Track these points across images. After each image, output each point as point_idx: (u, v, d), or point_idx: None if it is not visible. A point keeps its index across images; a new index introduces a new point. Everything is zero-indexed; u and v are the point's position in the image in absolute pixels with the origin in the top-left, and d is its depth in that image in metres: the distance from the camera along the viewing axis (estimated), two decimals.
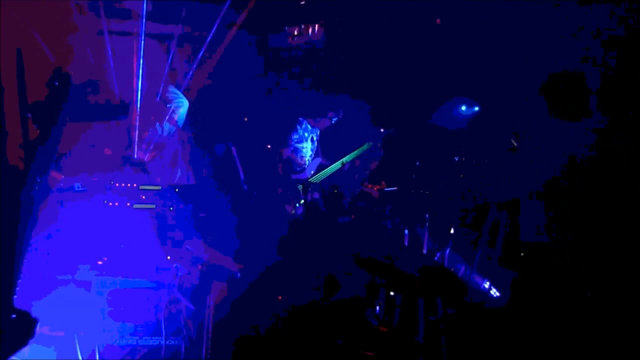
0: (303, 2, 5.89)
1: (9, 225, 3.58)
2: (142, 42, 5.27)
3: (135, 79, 5.30)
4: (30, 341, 3.62)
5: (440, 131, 5.84)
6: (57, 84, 4.33)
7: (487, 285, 4.72)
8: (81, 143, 5.05)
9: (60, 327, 4.23)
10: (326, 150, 6.15)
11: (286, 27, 6.04)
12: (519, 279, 4.21)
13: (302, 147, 6.01)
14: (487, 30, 5.28)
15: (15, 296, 3.80)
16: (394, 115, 6.11)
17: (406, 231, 5.26)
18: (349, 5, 5.75)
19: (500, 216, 4.71)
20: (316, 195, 5.59)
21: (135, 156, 5.38)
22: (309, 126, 6.05)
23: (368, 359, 4.04)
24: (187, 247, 4.77)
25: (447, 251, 5.00)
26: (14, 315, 3.55)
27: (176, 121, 5.58)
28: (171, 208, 4.84)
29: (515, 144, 4.75)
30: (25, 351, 3.71)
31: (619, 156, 3.85)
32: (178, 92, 5.59)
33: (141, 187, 4.87)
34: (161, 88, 5.53)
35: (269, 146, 6.05)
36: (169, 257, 4.65)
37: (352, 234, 5.23)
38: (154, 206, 4.82)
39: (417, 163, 5.78)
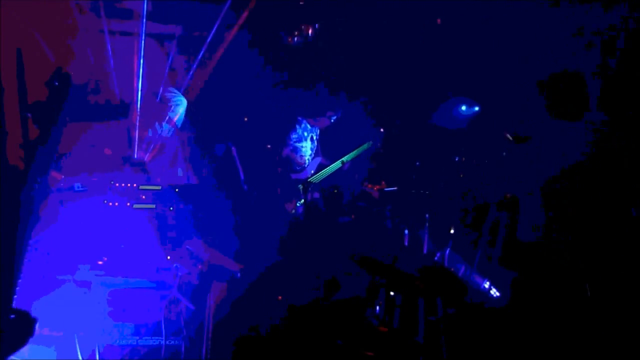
0: (302, 2, 5.89)
1: (9, 225, 3.59)
2: (143, 42, 5.26)
3: (135, 79, 5.30)
4: (30, 341, 3.62)
5: (440, 131, 5.84)
6: (57, 84, 4.33)
7: (487, 285, 4.72)
8: (81, 143, 5.05)
9: (60, 327, 4.23)
10: (326, 150, 6.16)
11: (286, 27, 6.04)
12: (519, 279, 4.20)
13: (302, 147, 6.01)
14: (487, 30, 5.28)
15: (15, 296, 3.80)
16: (394, 115, 6.12)
17: (406, 231, 5.26)
18: (348, 5, 5.74)
19: (500, 216, 4.71)
20: (316, 194, 5.59)
21: (135, 156, 5.38)
22: (308, 125, 6.05)
23: (368, 359, 4.04)
24: (187, 247, 4.77)
25: (447, 251, 5.00)
26: (13, 315, 3.55)
27: (175, 120, 5.58)
28: (171, 208, 4.84)
29: (510, 137, 4.76)
30: (25, 351, 3.71)
31: (619, 156, 3.84)
32: (176, 90, 5.59)
33: (141, 187, 4.87)
34: (161, 88, 5.53)
35: (268, 146, 6.05)
36: (169, 257, 4.66)
37: (352, 234, 5.23)
38: (154, 206, 4.82)
39: (417, 163, 5.78)
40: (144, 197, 4.83)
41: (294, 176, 5.96)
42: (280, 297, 4.56)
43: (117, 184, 4.81)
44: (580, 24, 4.40)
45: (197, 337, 4.41)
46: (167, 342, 4.38)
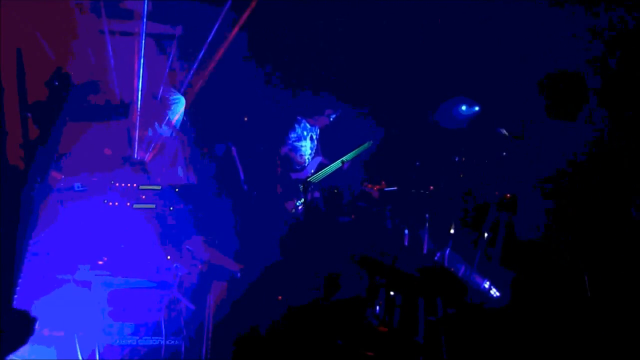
0: (302, 2, 5.89)
1: (9, 225, 3.59)
2: (143, 42, 5.26)
3: (135, 79, 5.30)
4: (30, 341, 3.62)
5: (440, 131, 5.85)
6: (57, 84, 4.33)
7: (487, 285, 4.72)
8: (81, 143, 5.04)
9: (60, 327, 4.22)
10: (326, 149, 6.16)
11: (286, 28, 6.04)
12: (519, 279, 4.21)
13: (301, 146, 6.01)
14: (487, 30, 5.29)
15: (15, 296, 3.80)
16: (394, 115, 6.12)
17: (406, 231, 5.26)
18: (348, 5, 5.75)
19: (500, 216, 4.71)
20: (316, 194, 5.59)
21: (135, 156, 5.37)
22: (307, 125, 6.05)
23: (368, 359, 4.04)
24: (187, 247, 4.77)
25: (447, 251, 5.00)
26: (13, 315, 3.55)
27: (173, 120, 5.58)
28: (171, 208, 4.84)
29: (506, 134, 4.77)
30: (25, 351, 3.71)
31: (619, 156, 3.85)
32: (174, 90, 5.59)
33: (141, 187, 4.86)
34: (161, 88, 5.53)
35: (269, 146, 6.05)
36: (169, 257, 4.65)
37: (352, 234, 5.24)
38: (154, 206, 4.81)
39: (417, 163, 5.79)
40: (144, 197, 4.83)
41: (294, 175, 5.96)
42: (280, 297, 4.56)
43: (117, 184, 4.81)
44: (581, 23, 4.40)
45: (197, 337, 4.41)
46: (167, 342, 4.38)
